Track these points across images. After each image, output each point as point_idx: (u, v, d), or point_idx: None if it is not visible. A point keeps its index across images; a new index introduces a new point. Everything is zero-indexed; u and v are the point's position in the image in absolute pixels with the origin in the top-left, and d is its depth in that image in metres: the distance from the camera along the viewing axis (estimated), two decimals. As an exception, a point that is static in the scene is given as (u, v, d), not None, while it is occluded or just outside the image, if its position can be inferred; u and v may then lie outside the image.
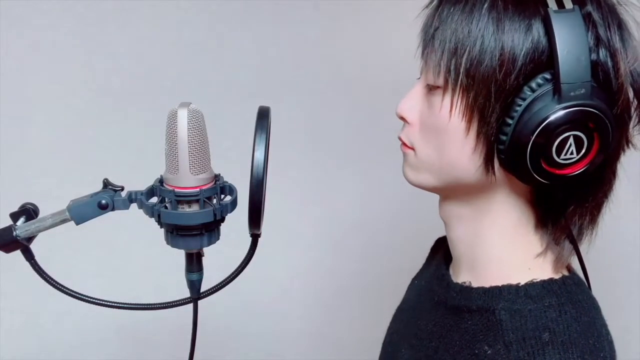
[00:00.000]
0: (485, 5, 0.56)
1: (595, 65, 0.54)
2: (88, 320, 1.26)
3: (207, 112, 0.61)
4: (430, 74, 0.60)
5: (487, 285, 0.63)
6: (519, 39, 0.54)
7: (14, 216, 0.64)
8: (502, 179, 0.60)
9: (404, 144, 0.65)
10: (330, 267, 1.38)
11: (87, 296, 0.65)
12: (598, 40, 0.55)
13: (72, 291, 0.65)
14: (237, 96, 1.23)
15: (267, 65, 1.25)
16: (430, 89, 0.61)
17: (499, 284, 0.62)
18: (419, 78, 0.65)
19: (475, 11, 0.56)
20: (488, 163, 0.59)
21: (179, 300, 0.67)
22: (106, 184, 0.63)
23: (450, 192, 0.65)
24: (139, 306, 0.66)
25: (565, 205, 0.61)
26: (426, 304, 0.72)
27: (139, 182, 0.64)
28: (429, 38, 0.60)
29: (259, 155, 0.56)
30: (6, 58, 1.14)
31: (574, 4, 0.54)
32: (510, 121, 0.55)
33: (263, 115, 0.58)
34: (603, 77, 0.55)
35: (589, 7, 0.55)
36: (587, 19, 0.55)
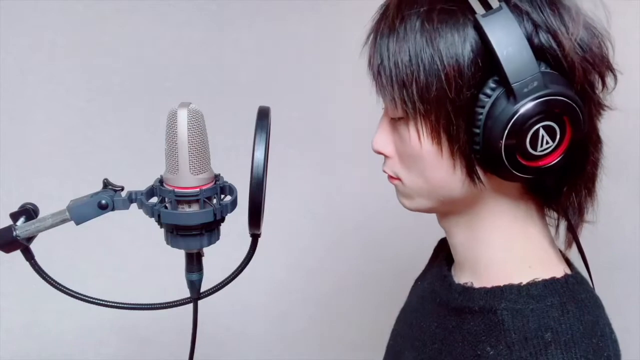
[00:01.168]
0: (416, 28, 0.55)
1: (541, 51, 0.54)
2: (88, 320, 1.26)
3: (207, 112, 0.61)
4: (389, 108, 0.61)
5: (489, 285, 0.62)
6: (457, 52, 0.54)
7: (14, 216, 0.64)
8: (490, 184, 0.60)
9: (389, 176, 0.66)
10: (330, 267, 1.38)
11: (87, 296, 0.65)
12: (535, 25, 0.54)
13: (72, 291, 0.65)
14: (237, 96, 1.23)
15: (267, 65, 1.25)
16: (395, 120, 0.62)
17: (501, 284, 0.62)
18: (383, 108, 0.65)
19: (409, 38, 0.56)
20: (472, 174, 0.59)
21: (179, 300, 0.67)
22: (106, 184, 0.63)
23: (448, 208, 0.65)
24: (139, 306, 0.66)
25: (559, 189, 0.61)
26: (429, 305, 0.71)
27: (139, 182, 0.64)
28: (375, 75, 0.60)
29: (259, 155, 0.56)
30: (6, 58, 1.15)
31: (499, 1, 0.53)
32: (477, 130, 0.55)
33: (263, 115, 0.58)
34: (553, 60, 0.54)
35: None
36: (517, 10, 0.54)
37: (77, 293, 0.65)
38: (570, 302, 0.58)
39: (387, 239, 1.37)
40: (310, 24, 1.25)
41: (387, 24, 0.58)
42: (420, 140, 0.59)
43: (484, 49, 0.53)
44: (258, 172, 0.56)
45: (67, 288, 0.65)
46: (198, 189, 0.60)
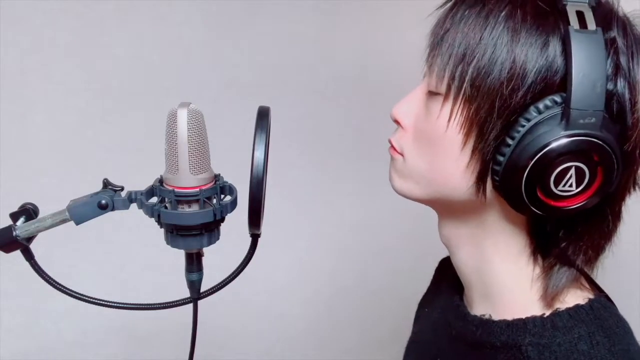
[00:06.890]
0: (503, 13, 0.52)
1: (610, 96, 0.51)
2: (88, 320, 1.26)
3: (207, 112, 0.61)
4: (434, 79, 0.57)
5: (509, 317, 0.58)
6: (533, 54, 0.51)
7: (14, 216, 0.64)
8: (494, 202, 0.57)
9: (393, 148, 0.62)
10: (330, 267, 1.38)
11: (87, 296, 0.65)
12: (618, 68, 0.51)
13: (72, 291, 0.65)
14: (237, 96, 1.23)
15: (267, 65, 1.25)
16: (431, 94, 0.58)
17: (522, 315, 0.57)
18: (423, 78, 0.61)
19: (491, 18, 0.53)
20: (480, 182, 0.55)
21: (179, 300, 0.67)
22: (106, 184, 0.63)
23: (440, 208, 0.62)
24: (139, 306, 0.66)
25: (556, 240, 0.58)
26: (444, 338, 0.67)
27: (139, 182, 0.64)
28: (437, 40, 0.56)
29: (259, 155, 0.56)
30: (6, 58, 1.15)
31: (597, 26, 0.50)
32: (510, 141, 0.52)
33: (263, 115, 0.57)
34: (617, 110, 0.51)
35: (614, 32, 0.52)
36: (610, 44, 0.51)
37: (77, 293, 0.65)
38: (598, 331, 0.55)
39: (387, 239, 1.37)
40: (310, 24, 1.25)
41: None
42: (448, 123, 0.55)
43: (560, 64, 0.51)
44: (258, 172, 0.55)
45: (67, 288, 0.65)
46: (198, 189, 0.60)
